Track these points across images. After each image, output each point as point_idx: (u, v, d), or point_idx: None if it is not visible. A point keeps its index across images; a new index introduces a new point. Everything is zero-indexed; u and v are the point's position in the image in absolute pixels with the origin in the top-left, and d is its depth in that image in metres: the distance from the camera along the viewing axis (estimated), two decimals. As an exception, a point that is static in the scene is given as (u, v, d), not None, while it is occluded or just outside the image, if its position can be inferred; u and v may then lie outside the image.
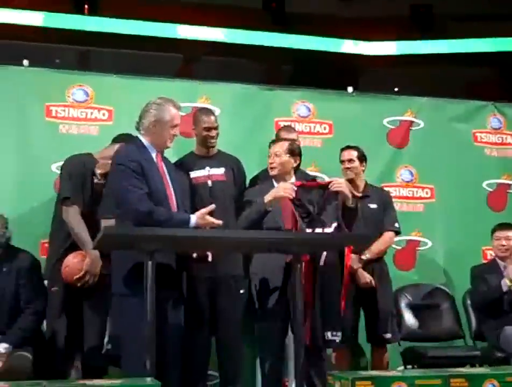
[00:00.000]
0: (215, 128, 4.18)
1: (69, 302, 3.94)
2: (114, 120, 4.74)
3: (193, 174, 4.15)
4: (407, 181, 5.29)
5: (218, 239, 3.31)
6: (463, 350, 4.66)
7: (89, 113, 4.73)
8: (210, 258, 3.65)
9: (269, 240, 3.36)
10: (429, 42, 9.64)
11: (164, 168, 3.54)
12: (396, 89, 8.30)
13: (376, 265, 4.51)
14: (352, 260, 4.35)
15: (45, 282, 4.02)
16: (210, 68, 8.99)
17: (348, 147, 4.62)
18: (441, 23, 9.70)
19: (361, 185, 4.61)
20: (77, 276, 3.83)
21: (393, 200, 4.84)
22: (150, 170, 3.42)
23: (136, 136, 3.56)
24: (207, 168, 4.16)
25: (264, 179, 4.16)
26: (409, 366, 4.57)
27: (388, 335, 4.45)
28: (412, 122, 5.35)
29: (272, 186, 3.86)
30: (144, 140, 3.51)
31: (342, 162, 4.61)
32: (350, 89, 5.33)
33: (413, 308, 4.90)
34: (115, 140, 4.15)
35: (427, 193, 5.30)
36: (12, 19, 8.65)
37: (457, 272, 5.11)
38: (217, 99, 4.92)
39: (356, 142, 4.66)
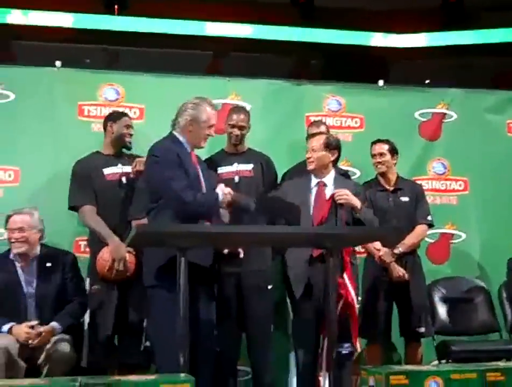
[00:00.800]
0: (240, 127, 4.16)
1: (109, 300, 3.98)
2: (145, 118, 4.78)
3: (220, 170, 4.16)
4: (440, 174, 5.23)
5: (252, 236, 3.24)
6: (499, 343, 4.61)
7: (120, 112, 4.79)
8: (241, 255, 3.66)
9: (306, 234, 3.32)
10: (459, 32, 9.50)
11: (197, 165, 3.57)
12: (427, 81, 8.22)
13: (409, 258, 4.46)
14: (385, 254, 4.34)
15: (87, 280, 4.08)
16: (239, 64, 8.99)
17: (379, 141, 4.59)
18: (471, 13, 9.56)
19: (393, 178, 4.58)
20: (107, 267, 3.88)
21: (426, 193, 4.80)
22: (187, 164, 3.46)
23: (171, 132, 3.59)
24: (235, 164, 4.17)
25: (299, 173, 4.16)
26: (443, 361, 4.51)
27: (422, 329, 4.41)
28: (444, 114, 5.29)
29: (310, 180, 3.89)
30: (179, 136, 3.54)
31: (373, 156, 4.58)
32: (381, 82, 5.28)
33: (447, 301, 4.84)
34: (108, 118, 4.26)
35: (460, 185, 5.24)
36: (44, 21, 8.77)
37: (493, 264, 5.04)
38: (247, 95, 4.92)
39: (387, 136, 4.63)
